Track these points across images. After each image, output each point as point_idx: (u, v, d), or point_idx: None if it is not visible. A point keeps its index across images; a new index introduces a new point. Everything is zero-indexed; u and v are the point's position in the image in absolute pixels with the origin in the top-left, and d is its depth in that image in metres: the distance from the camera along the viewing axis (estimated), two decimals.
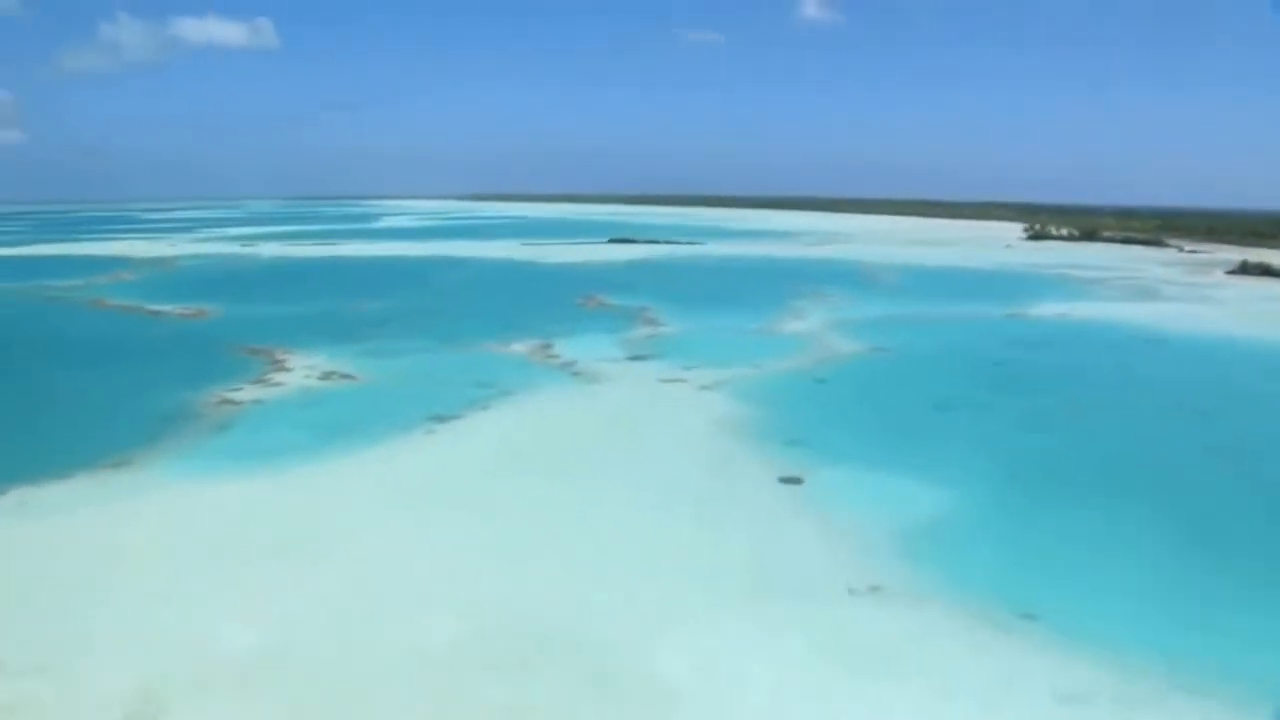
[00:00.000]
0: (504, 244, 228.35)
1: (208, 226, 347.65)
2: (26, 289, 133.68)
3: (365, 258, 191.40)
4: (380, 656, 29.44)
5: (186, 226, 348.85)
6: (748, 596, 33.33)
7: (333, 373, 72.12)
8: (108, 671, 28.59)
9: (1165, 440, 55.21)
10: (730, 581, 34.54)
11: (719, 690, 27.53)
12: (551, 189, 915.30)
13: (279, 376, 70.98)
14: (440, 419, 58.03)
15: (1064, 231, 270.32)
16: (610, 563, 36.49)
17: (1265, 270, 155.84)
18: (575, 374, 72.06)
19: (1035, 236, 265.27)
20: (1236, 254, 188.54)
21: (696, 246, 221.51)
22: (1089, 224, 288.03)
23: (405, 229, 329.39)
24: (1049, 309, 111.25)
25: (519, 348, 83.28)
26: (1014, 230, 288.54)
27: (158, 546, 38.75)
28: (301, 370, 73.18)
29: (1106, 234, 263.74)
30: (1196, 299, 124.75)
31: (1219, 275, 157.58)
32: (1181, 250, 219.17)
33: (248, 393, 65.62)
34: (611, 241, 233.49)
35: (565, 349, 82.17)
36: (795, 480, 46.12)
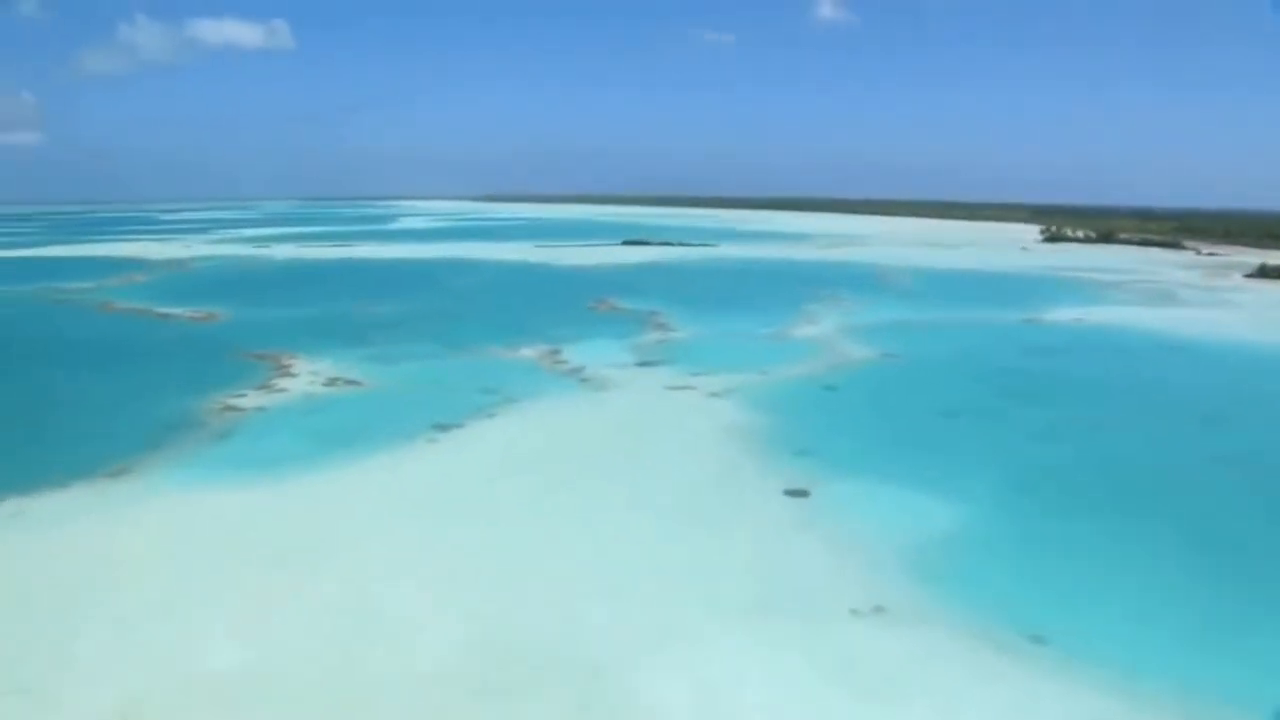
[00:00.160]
0: (518, 246, 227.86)
1: (222, 228, 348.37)
2: (37, 291, 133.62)
3: (378, 260, 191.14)
4: (368, 678, 28.76)
5: (201, 228, 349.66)
6: (748, 616, 32.48)
7: (338, 379, 71.56)
8: (88, 691, 28.05)
9: (1180, 452, 54.04)
10: (731, 600, 33.71)
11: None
12: (567, 190, 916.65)
13: (284, 382, 70.46)
14: (444, 427, 57.36)
15: (1081, 233, 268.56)
16: (609, 579, 35.71)
17: None
18: (583, 380, 71.33)
19: (1052, 238, 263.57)
20: (1255, 256, 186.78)
21: (710, 249, 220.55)
22: (1106, 225, 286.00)
23: (419, 230, 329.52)
24: (1064, 313, 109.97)
25: (527, 353, 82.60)
26: (1031, 232, 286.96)
27: (152, 558, 38.18)
28: (307, 376, 72.65)
29: (1123, 236, 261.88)
30: (1214, 303, 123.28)
31: (1237, 279, 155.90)
32: (1199, 253, 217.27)
33: (252, 399, 65.10)
34: (625, 243, 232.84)
35: (574, 354, 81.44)
36: (801, 493, 45.25)
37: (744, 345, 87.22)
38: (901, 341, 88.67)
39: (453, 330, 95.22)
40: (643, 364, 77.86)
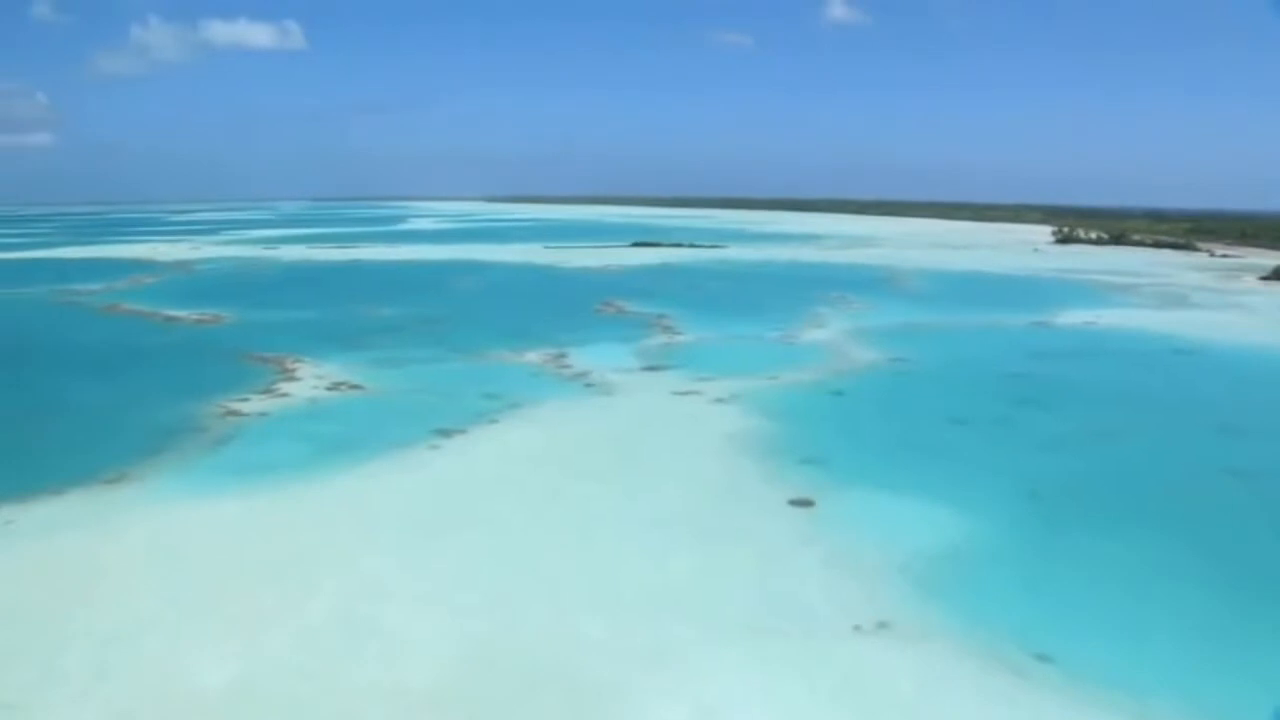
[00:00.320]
0: (527, 247, 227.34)
1: (233, 229, 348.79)
2: (44, 293, 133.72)
3: (386, 261, 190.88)
4: (358, 697, 28.12)
5: (211, 229, 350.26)
6: (749, 633, 31.71)
7: (341, 383, 71.05)
8: (75, 708, 27.57)
9: (1192, 462, 52.96)
10: (731, 616, 32.96)
11: None
12: (578, 191, 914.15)
13: (287, 386, 69.99)
14: (445, 433, 56.78)
15: (1093, 235, 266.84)
16: (607, 594, 35.00)
17: None
18: (587, 385, 70.65)
19: (1064, 240, 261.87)
20: (1269, 259, 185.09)
21: (720, 250, 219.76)
22: (1118, 227, 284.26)
23: (429, 232, 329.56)
24: (1075, 317, 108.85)
25: (532, 357, 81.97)
26: (1042, 233, 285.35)
27: (143, 571, 37.66)
28: (310, 380, 72.18)
29: (1136, 237, 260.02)
30: (1227, 306, 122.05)
31: (1251, 281, 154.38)
32: (1213, 254, 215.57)
33: (254, 404, 64.62)
34: (634, 245, 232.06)
35: (579, 358, 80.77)
36: (806, 503, 44.48)
37: (751, 349, 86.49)
38: (910, 345, 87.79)
39: (458, 333, 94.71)
40: (648, 368, 77.15)
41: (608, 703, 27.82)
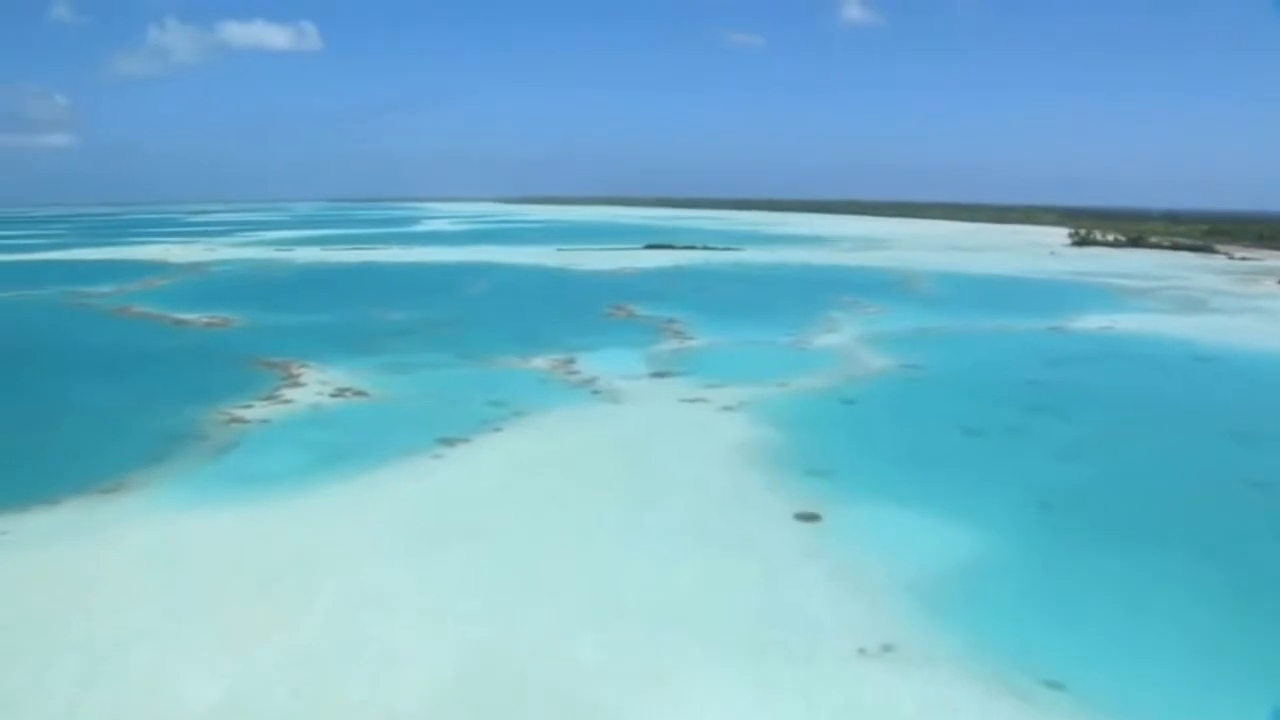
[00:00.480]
0: (540, 249, 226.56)
1: (247, 230, 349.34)
2: (58, 295, 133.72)
3: (399, 264, 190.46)
4: (350, 716, 27.36)
5: (226, 230, 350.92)
6: (749, 655, 30.81)
7: (347, 389, 70.42)
8: None
9: (1210, 473, 51.67)
10: (731, 635, 32.07)
11: None
12: (591, 192, 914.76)
13: (291, 392, 69.39)
14: (449, 442, 56.05)
15: (1110, 237, 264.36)
16: (608, 610, 34.16)
17: None
18: (594, 392, 69.81)
19: (1080, 242, 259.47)
20: None
21: (733, 252, 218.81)
22: (1135, 229, 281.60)
23: (443, 233, 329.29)
24: (1091, 322, 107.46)
25: (540, 362, 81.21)
26: (1058, 235, 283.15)
27: (137, 583, 37.03)
28: (315, 386, 71.59)
29: (1153, 240, 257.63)
30: (1246, 310, 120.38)
31: (1270, 284, 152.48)
32: (1231, 257, 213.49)
33: (257, 410, 64.04)
34: (648, 247, 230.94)
35: (587, 364, 79.96)
36: (812, 517, 43.54)
37: (761, 355, 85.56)
38: (923, 351, 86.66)
39: (467, 338, 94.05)
40: (657, 375, 76.29)
41: None
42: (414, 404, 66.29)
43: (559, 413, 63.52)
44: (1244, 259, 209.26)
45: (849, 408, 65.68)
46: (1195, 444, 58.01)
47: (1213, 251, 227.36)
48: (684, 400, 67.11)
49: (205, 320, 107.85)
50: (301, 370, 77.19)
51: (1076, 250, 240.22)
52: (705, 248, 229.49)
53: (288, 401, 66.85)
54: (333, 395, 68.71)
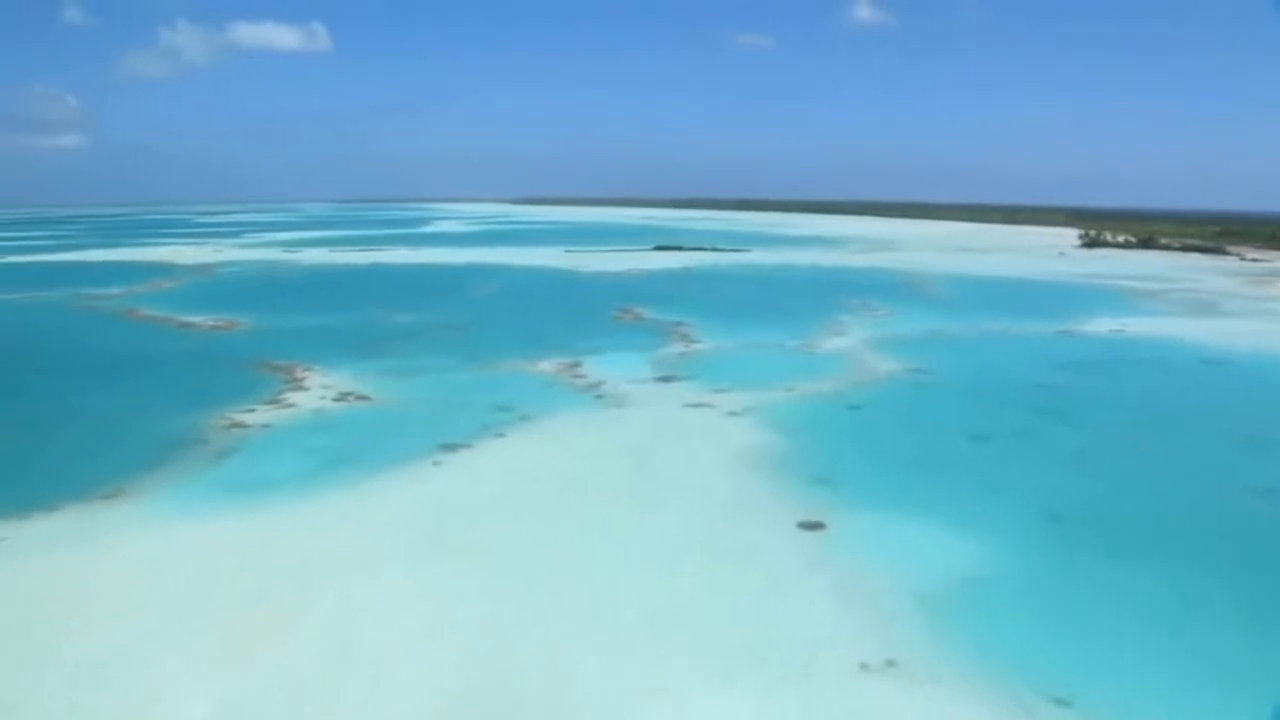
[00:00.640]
0: (548, 251, 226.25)
1: (257, 231, 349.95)
2: (64, 297, 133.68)
3: (406, 265, 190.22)
4: None
5: (236, 231, 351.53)
6: (748, 670, 30.20)
7: (350, 393, 70.02)
8: None
9: (1221, 481, 50.70)
10: (731, 650, 31.47)
11: None
12: (602, 192, 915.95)
13: (294, 397, 69.02)
14: (450, 448, 55.57)
15: (1120, 238, 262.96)
16: (604, 624, 33.60)
17: None
18: (598, 397, 69.27)
19: (1090, 243, 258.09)
20: None
21: (742, 254, 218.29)
22: (1146, 230, 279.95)
23: (451, 234, 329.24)
24: (1101, 325, 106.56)
25: (546, 366, 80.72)
26: (1068, 236, 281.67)
27: (131, 593, 36.58)
28: (318, 390, 71.21)
29: (1164, 241, 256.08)
30: (1259, 313, 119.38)
31: None
32: (1243, 258, 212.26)
33: (259, 415, 63.66)
34: (657, 249, 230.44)
35: (593, 368, 79.45)
36: (816, 526, 42.93)
37: (768, 359, 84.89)
38: (931, 355, 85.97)
39: (473, 341, 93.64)
40: (662, 379, 75.71)
41: None
42: (417, 408, 65.83)
43: (563, 418, 63.00)
44: (1256, 260, 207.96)
45: (855, 413, 65.02)
46: (1206, 451, 57.08)
47: (1224, 253, 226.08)
48: (689, 405, 66.54)
49: (211, 323, 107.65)
50: (305, 374, 76.85)
51: (1086, 252, 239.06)
52: (713, 249, 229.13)
53: (290, 406, 66.47)
54: (335, 399, 68.30)
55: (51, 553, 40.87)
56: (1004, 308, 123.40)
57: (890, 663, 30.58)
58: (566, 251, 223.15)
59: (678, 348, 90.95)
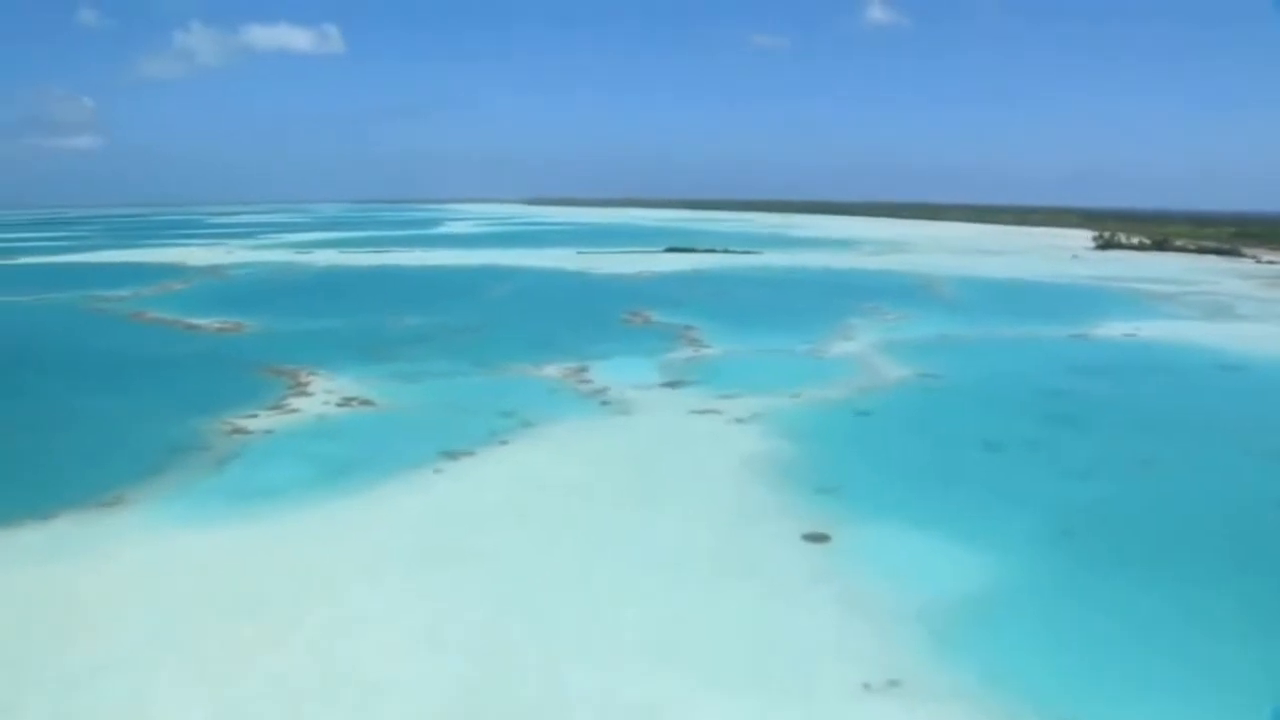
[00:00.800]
0: (560, 252, 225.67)
1: (269, 232, 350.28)
2: (73, 299, 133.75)
3: (417, 267, 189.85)
4: None
5: (248, 232, 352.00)
6: (747, 688, 29.42)
7: (353, 398, 69.51)
8: None
9: (1240, 493, 49.59)
10: (731, 667, 30.72)
11: None
12: (615, 193, 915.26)
13: (297, 402, 68.54)
14: (452, 455, 54.95)
15: (1134, 240, 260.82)
16: (603, 639, 32.89)
17: None
18: (604, 403, 68.56)
19: (1104, 245, 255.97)
20: None
21: (753, 256, 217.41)
22: (1161, 231, 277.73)
23: (463, 236, 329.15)
24: (1114, 329, 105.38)
25: (552, 370, 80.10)
26: (1082, 238, 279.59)
27: (122, 606, 36.02)
28: (322, 395, 70.72)
29: (1179, 243, 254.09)
30: (1274, 317, 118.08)
31: None
32: (1259, 260, 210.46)
33: (261, 420, 63.18)
34: (668, 250, 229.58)
35: (600, 373, 78.78)
36: (821, 538, 42.14)
37: (777, 363, 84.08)
38: (941, 360, 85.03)
39: (479, 345, 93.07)
40: (669, 384, 74.98)
41: None
42: (421, 414, 65.28)
43: (567, 424, 62.34)
44: (1271, 263, 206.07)
45: (864, 420, 64.18)
46: (1223, 461, 55.91)
47: (1240, 255, 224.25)
48: (695, 411, 65.79)
49: (218, 325, 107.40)
50: (310, 378, 76.36)
51: (1100, 254, 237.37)
52: (725, 251, 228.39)
53: (293, 411, 65.98)
54: (339, 405, 67.81)
55: (48, 560, 40.41)
56: (1016, 311, 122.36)
57: (893, 682, 29.77)
58: (578, 253, 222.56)
59: (686, 352, 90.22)
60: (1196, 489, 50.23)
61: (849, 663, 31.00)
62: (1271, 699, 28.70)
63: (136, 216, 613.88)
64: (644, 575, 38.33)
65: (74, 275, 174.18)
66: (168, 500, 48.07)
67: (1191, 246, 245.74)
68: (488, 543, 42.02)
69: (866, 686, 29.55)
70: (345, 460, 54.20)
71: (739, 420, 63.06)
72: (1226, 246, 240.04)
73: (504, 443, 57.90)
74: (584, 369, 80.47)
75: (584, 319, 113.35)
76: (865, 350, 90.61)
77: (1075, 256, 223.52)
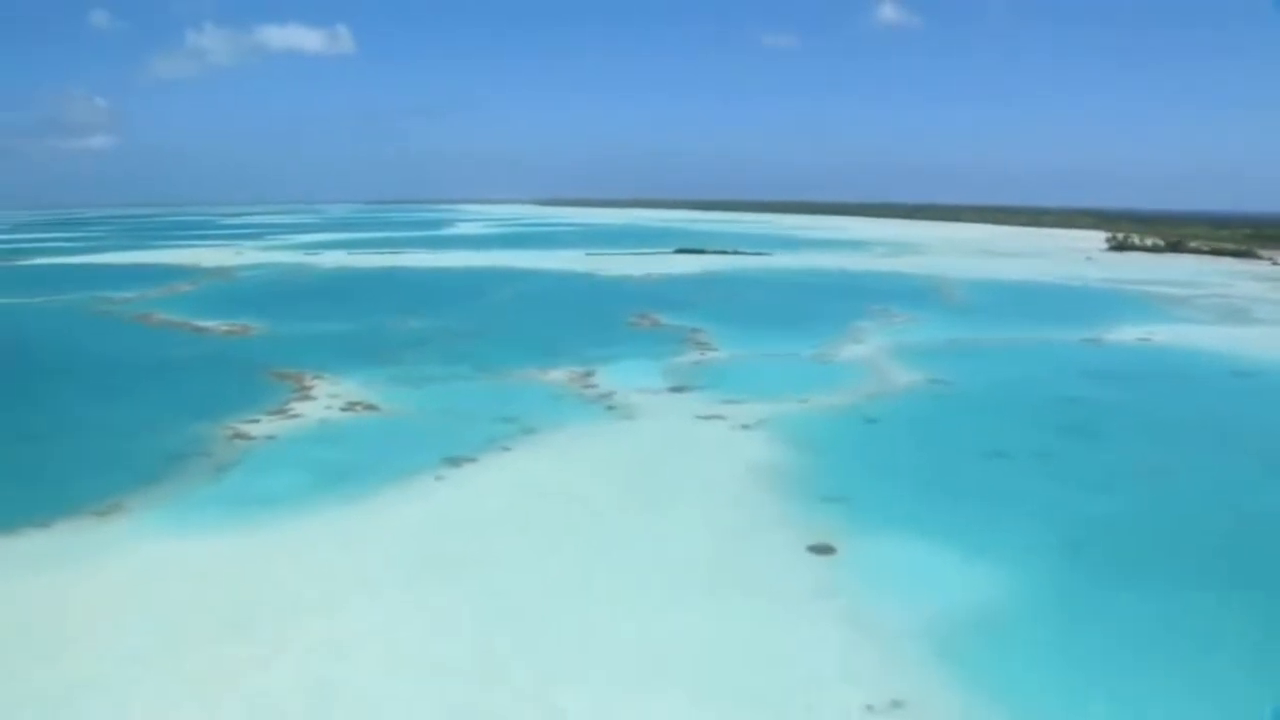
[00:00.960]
0: (569, 254, 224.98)
1: (279, 233, 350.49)
2: (80, 301, 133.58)
3: (425, 269, 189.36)
4: None
5: (258, 233, 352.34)
6: (747, 709, 28.56)
7: (357, 402, 68.90)
8: None
9: (1257, 506, 48.42)
10: (729, 687, 29.89)
11: None
12: (625, 194, 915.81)
13: (300, 406, 67.94)
14: (454, 462, 54.26)
15: (1149, 242, 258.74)
16: (598, 656, 32.10)
17: None
18: (609, 408, 67.78)
19: (1118, 247, 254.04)
20: None
21: (764, 257, 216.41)
22: (1175, 233, 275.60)
23: (473, 237, 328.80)
24: (1128, 333, 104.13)
25: (557, 375, 79.36)
26: (1096, 240, 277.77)
27: (111, 617, 35.41)
28: (325, 399, 70.13)
29: (1194, 244, 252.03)
30: None
31: None
32: (1275, 263, 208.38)
33: (263, 425, 62.58)
34: (678, 252, 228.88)
35: (605, 377, 78.02)
36: (826, 550, 41.30)
37: (784, 368, 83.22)
38: (951, 365, 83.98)
39: (485, 348, 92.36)
40: (675, 389, 74.15)
41: None
42: (424, 420, 64.62)
43: (570, 430, 61.58)
44: None
45: (871, 427, 63.28)
46: (1238, 472, 54.66)
47: (1256, 257, 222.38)
48: (701, 417, 64.96)
49: (224, 328, 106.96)
50: (314, 382, 75.80)
51: (1114, 255, 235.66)
52: (735, 252, 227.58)
53: (296, 416, 65.38)
54: (342, 409, 67.20)
55: (41, 570, 39.81)
56: (1028, 314, 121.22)
57: (897, 704, 28.90)
58: (587, 254, 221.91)
59: (693, 355, 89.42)
60: (1211, 500, 49.12)
61: (852, 683, 30.15)
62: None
63: (149, 217, 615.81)
64: (644, 589, 37.54)
65: (83, 276, 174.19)
66: (165, 508, 47.46)
67: (1206, 248, 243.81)
68: (484, 555, 41.27)
69: (870, 708, 28.68)
70: (347, 467, 53.57)
71: (745, 426, 62.23)
72: (1242, 248, 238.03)
73: (506, 449, 57.18)
74: (589, 373, 79.72)
75: (591, 322, 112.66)
76: (874, 354, 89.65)
77: (1089, 258, 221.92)
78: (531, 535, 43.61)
